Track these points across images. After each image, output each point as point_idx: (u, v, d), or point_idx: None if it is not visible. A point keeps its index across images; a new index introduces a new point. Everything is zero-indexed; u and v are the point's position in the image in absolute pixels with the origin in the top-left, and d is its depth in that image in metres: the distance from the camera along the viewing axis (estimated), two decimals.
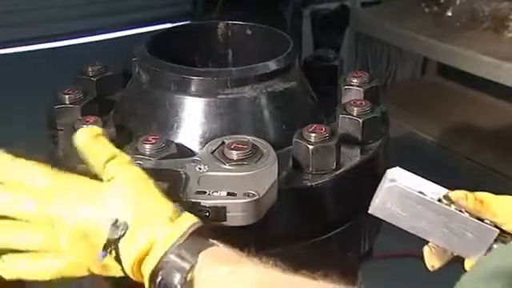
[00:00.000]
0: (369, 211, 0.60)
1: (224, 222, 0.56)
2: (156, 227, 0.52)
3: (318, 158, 0.65)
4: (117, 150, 0.57)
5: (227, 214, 0.56)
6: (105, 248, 0.52)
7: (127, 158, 0.57)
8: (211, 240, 0.53)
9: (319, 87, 0.78)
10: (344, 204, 0.68)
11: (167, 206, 0.53)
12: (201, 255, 0.51)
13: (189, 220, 0.53)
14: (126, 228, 0.52)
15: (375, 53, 2.12)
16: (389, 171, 0.59)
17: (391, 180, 0.58)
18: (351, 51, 2.04)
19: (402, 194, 0.58)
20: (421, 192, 0.58)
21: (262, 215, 0.58)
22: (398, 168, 0.60)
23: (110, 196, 0.53)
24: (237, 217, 0.56)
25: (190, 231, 0.52)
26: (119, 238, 0.52)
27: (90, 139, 0.57)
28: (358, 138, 0.71)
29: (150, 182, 0.55)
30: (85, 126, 0.67)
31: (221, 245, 0.53)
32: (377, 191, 0.60)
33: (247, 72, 0.69)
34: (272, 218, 0.60)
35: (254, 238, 0.59)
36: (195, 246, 0.52)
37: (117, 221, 0.52)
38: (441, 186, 0.59)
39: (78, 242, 0.53)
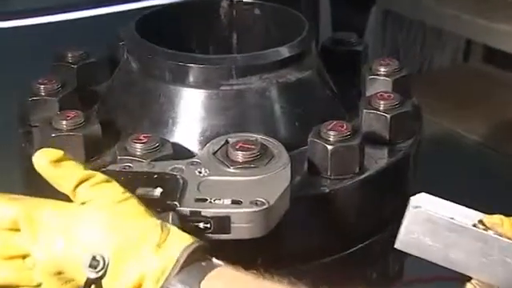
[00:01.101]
0: (395, 246, 0.62)
1: (228, 235, 0.58)
2: (142, 260, 0.53)
3: (338, 160, 0.67)
4: (87, 172, 0.57)
5: (231, 226, 0.58)
6: None
7: (102, 176, 0.57)
8: (213, 260, 0.54)
9: (339, 77, 0.80)
10: (368, 214, 0.70)
11: (153, 229, 0.54)
12: (203, 284, 0.52)
13: (180, 243, 0.54)
14: (107, 265, 0.53)
15: (407, 35, 2.13)
16: (412, 198, 0.61)
17: (416, 206, 0.60)
18: (378, 34, 2.05)
19: (430, 221, 0.60)
20: (452, 218, 0.60)
21: (271, 227, 0.59)
22: (422, 193, 0.61)
23: (85, 224, 0.55)
24: (243, 228, 0.58)
25: (184, 257, 0.53)
26: (100, 278, 0.53)
27: (49, 164, 0.57)
28: (385, 136, 0.73)
29: (132, 202, 0.56)
30: (64, 121, 0.70)
31: (223, 263, 0.54)
32: (402, 222, 0.61)
33: (255, 59, 0.71)
34: (284, 230, 0.62)
35: (263, 254, 0.62)
36: (193, 275, 0.52)
37: (95, 257, 0.53)
38: (475, 209, 0.61)
39: (53, 278, 0.55)
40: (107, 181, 0.57)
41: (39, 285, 0.56)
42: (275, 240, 0.62)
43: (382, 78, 0.79)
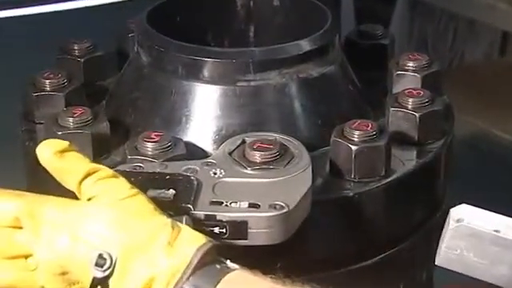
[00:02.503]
0: (435, 263, 0.62)
1: (245, 241, 0.59)
2: (151, 260, 0.54)
3: (363, 161, 0.68)
4: (94, 165, 0.59)
5: (249, 231, 0.59)
6: None
7: (108, 171, 0.58)
8: (228, 263, 0.54)
9: (364, 72, 0.81)
10: (395, 220, 0.71)
11: (163, 227, 0.55)
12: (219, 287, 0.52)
13: (193, 242, 0.55)
14: (114, 263, 0.54)
15: (437, 27, 2.12)
16: (453, 210, 0.62)
17: (458, 220, 0.61)
18: (404, 26, 2.05)
19: (473, 236, 0.60)
20: (496, 230, 0.60)
21: (291, 232, 0.60)
22: (463, 205, 0.62)
23: (91, 222, 0.56)
24: (260, 234, 0.59)
25: (198, 258, 0.53)
26: (107, 277, 0.54)
27: (54, 156, 0.58)
28: (413, 137, 0.73)
29: (140, 199, 0.57)
30: (70, 118, 0.71)
31: (239, 267, 0.54)
32: (441, 237, 0.62)
33: (274, 53, 0.72)
34: (304, 236, 0.63)
35: (282, 262, 0.63)
36: (207, 279, 0.53)
37: (101, 255, 0.54)
38: None
39: (58, 279, 0.56)
40: (114, 176, 0.58)
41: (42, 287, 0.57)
42: (295, 247, 0.62)
43: (410, 73, 0.80)
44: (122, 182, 0.58)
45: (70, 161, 0.59)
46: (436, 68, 0.81)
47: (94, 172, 0.58)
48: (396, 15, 2.08)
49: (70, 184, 0.59)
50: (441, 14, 2.11)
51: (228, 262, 0.55)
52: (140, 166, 0.64)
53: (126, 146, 0.69)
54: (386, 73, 0.82)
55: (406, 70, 0.80)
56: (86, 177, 0.58)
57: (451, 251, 0.61)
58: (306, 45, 0.73)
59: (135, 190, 0.57)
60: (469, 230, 0.61)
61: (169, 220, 0.56)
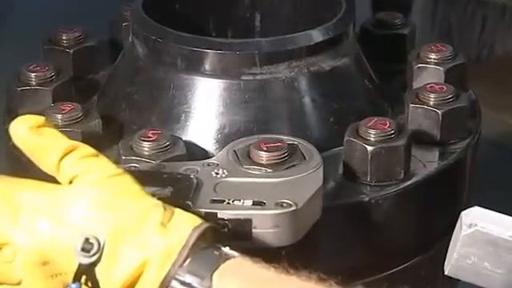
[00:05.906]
0: (445, 272, 0.62)
1: (248, 242, 0.59)
2: (143, 241, 0.53)
3: (380, 163, 0.68)
4: (73, 142, 0.58)
5: (253, 231, 0.59)
6: (76, 278, 0.54)
7: (89, 149, 0.58)
8: (226, 249, 0.54)
9: (381, 65, 0.81)
10: (414, 228, 0.72)
11: (155, 207, 0.55)
12: (215, 277, 0.52)
13: (188, 223, 0.54)
14: (102, 248, 0.53)
15: (463, 15, 2.12)
16: (464, 213, 0.61)
17: (470, 225, 0.60)
18: (427, 13, 2.05)
19: (488, 242, 0.60)
20: None
21: (300, 236, 0.61)
22: (475, 208, 0.62)
23: (74, 204, 0.55)
24: (266, 235, 0.59)
25: (194, 239, 0.53)
26: (94, 264, 0.54)
27: (30, 132, 0.57)
28: (435, 136, 0.74)
29: (127, 178, 0.56)
30: (59, 115, 0.72)
31: (238, 254, 0.54)
32: (451, 244, 0.62)
33: (282, 44, 0.73)
34: (315, 243, 0.64)
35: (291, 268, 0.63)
36: (204, 265, 0.53)
37: (88, 239, 0.54)
38: None
39: (38, 270, 0.55)
40: (96, 154, 0.58)
41: (20, 282, 0.56)
42: (303, 255, 0.63)
43: (432, 66, 0.80)
44: (105, 160, 0.58)
45: (47, 137, 0.58)
46: (461, 60, 0.81)
47: (73, 150, 0.57)
48: (417, 2, 2.08)
49: (48, 164, 0.58)
50: (466, 0, 2.10)
51: (227, 248, 0.54)
52: (135, 167, 0.65)
53: (120, 145, 0.69)
54: (405, 66, 0.83)
55: (428, 63, 0.80)
56: (65, 155, 0.57)
57: (463, 260, 0.61)
58: (317, 35, 0.74)
59: (120, 170, 0.57)
60: (483, 236, 0.60)
61: (160, 201, 0.56)
